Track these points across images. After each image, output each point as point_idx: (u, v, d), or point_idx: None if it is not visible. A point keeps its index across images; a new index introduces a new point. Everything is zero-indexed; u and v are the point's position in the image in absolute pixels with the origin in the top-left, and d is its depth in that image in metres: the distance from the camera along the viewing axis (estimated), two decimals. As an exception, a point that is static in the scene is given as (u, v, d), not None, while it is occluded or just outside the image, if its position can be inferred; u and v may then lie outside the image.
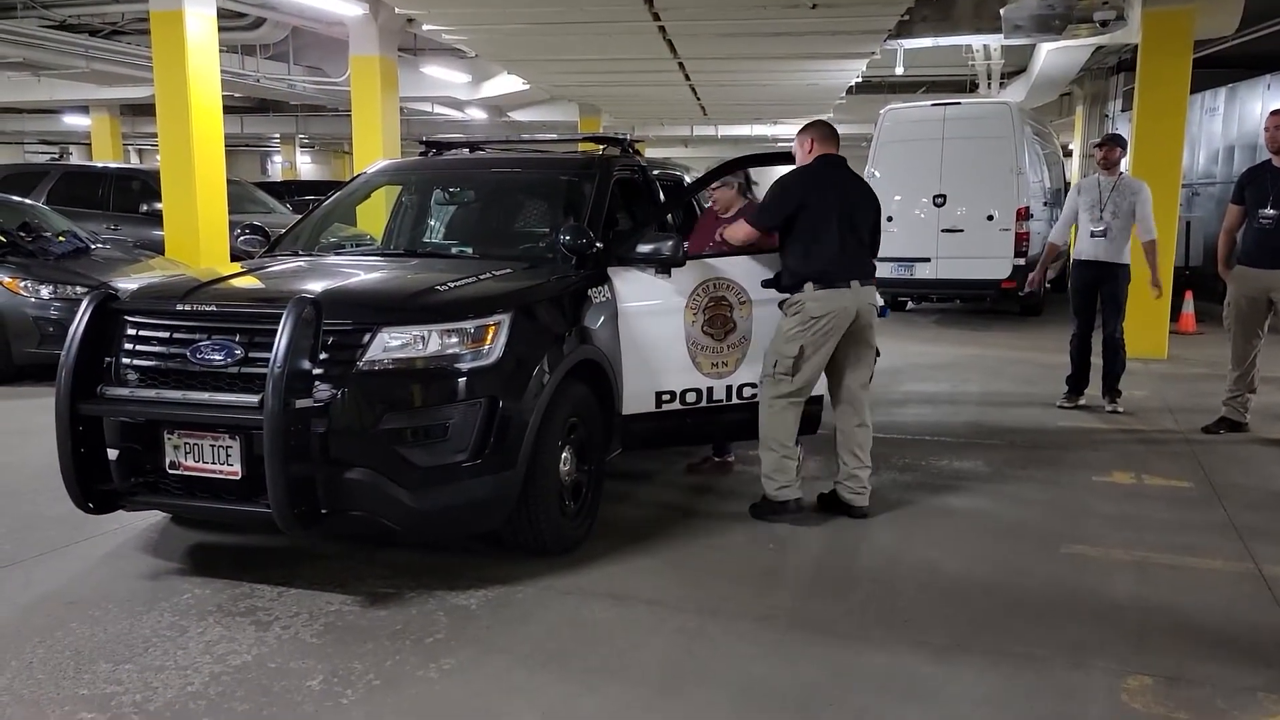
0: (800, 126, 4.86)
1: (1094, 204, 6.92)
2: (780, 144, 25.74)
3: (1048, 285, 13.49)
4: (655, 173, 5.54)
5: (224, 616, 3.55)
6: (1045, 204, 12.41)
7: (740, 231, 4.76)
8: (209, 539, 4.35)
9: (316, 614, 3.57)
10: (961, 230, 11.40)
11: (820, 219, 4.56)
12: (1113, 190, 6.87)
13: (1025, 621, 3.58)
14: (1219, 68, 13.15)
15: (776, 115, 20.03)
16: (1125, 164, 7.55)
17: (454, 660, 3.24)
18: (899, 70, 14.00)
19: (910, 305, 13.55)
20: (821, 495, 4.77)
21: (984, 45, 13.92)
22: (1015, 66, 16.69)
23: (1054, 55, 13.53)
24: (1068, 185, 16.40)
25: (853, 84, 15.49)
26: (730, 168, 5.14)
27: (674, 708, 2.96)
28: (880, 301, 4.99)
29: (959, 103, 12.27)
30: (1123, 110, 15.86)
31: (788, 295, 4.61)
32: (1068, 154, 19.18)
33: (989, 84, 17.29)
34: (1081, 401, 7.19)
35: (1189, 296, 11.13)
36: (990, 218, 11.26)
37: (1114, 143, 7.08)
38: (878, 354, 4.90)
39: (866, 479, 4.70)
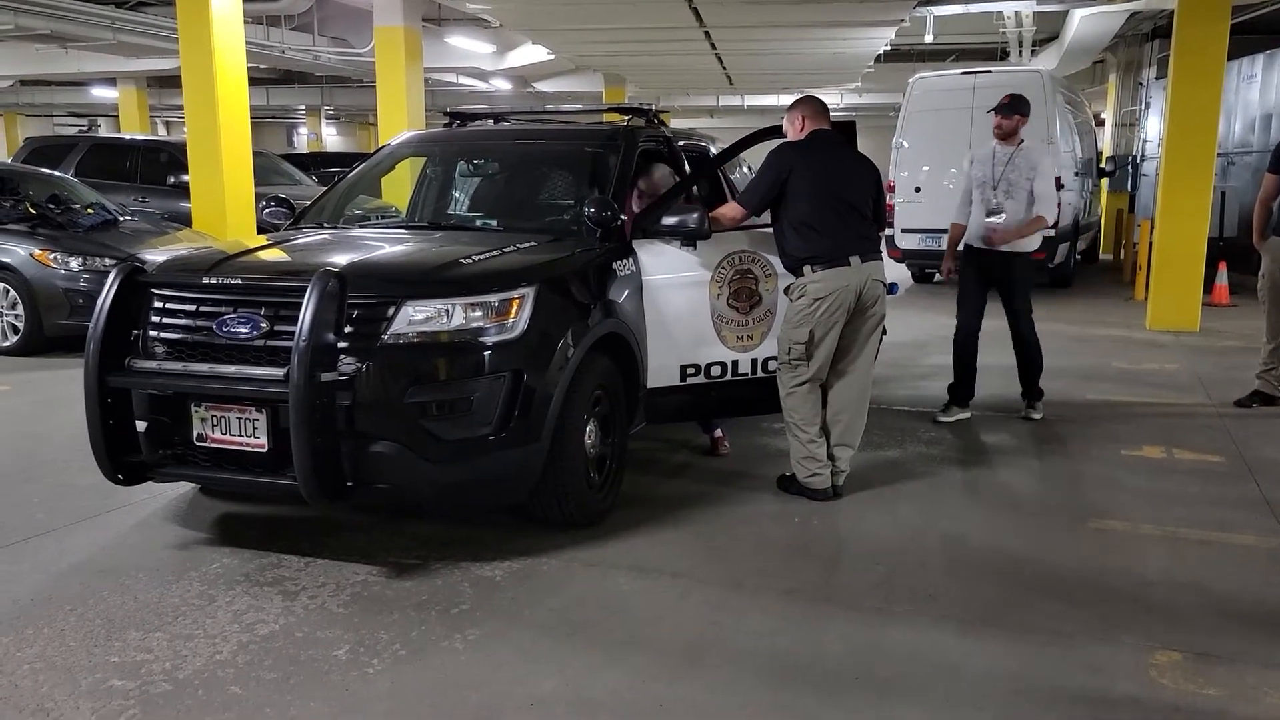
0: (790, 104, 4.71)
1: (986, 180, 5.84)
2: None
3: (1078, 257, 13.32)
4: (680, 144, 5.49)
5: (251, 586, 3.59)
6: (1077, 174, 12.22)
7: (730, 212, 4.63)
8: (236, 510, 4.39)
9: (343, 584, 3.61)
10: None
11: (810, 196, 4.43)
12: (1008, 164, 5.78)
13: (1052, 597, 3.55)
14: (1257, 34, 12.87)
15: (803, 84, 19.81)
16: (1162, 135, 7.16)
17: (479, 631, 3.26)
18: (928, 38, 13.78)
19: (937, 277, 13.41)
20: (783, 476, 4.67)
21: (1015, 12, 13.69)
22: (1047, 34, 16.41)
23: (1087, 21, 13.27)
24: (1100, 155, 16.17)
25: (881, 52, 15.30)
26: (750, 141, 5.07)
27: (698, 679, 2.97)
28: (888, 279, 4.72)
29: (989, 71, 12.07)
30: (1157, 78, 15.57)
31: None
32: (1100, 123, 18.87)
33: (1020, 52, 17.00)
34: (965, 415, 5.96)
35: (1223, 268, 10.95)
36: (1020, 188, 11.10)
37: (1012, 109, 5.83)
38: (884, 333, 4.74)
39: (847, 460, 4.59)
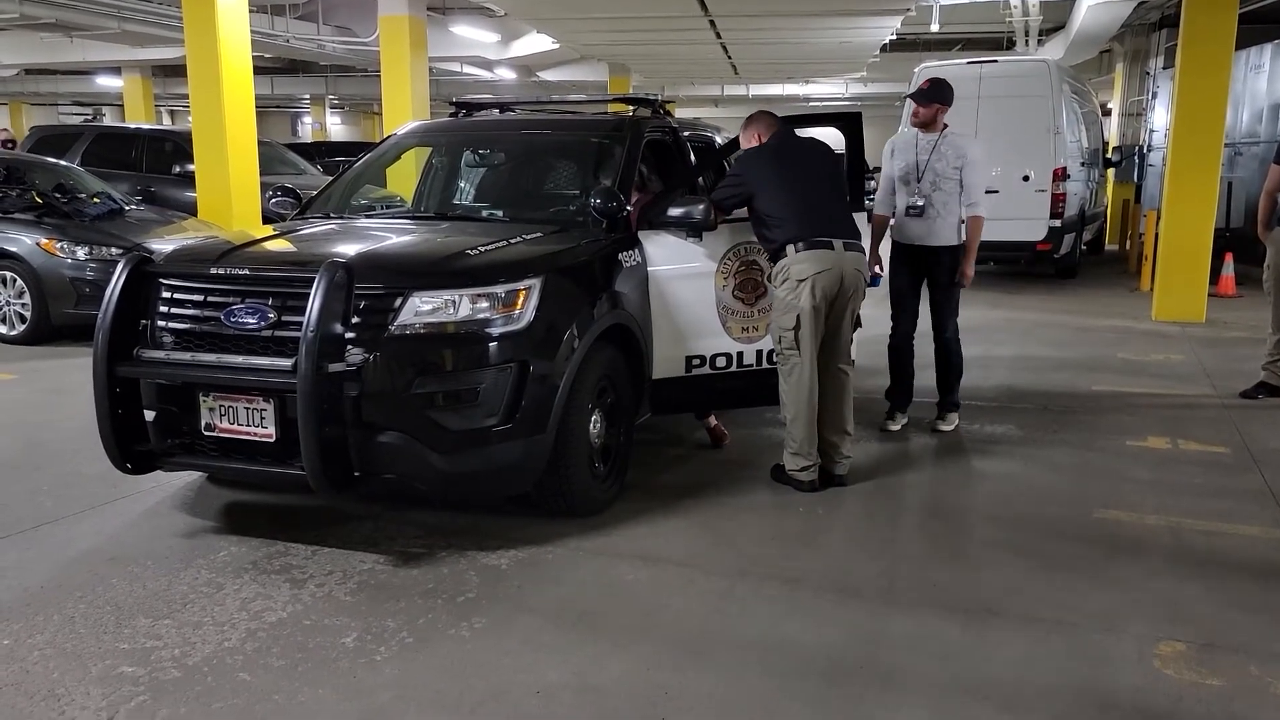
0: (743, 121, 4.81)
1: (909, 171, 5.37)
2: (811, 104, 25.43)
3: (1083, 248, 13.29)
4: (686, 134, 5.49)
5: (259, 574, 3.61)
6: (1083, 164, 12.19)
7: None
8: (244, 498, 4.41)
9: (350, 573, 3.63)
10: (996, 191, 11.20)
11: (791, 184, 4.48)
12: (932, 153, 5.30)
13: (1056, 586, 3.56)
14: (1265, 23, 12.81)
15: (809, 74, 19.80)
16: (1169, 125, 7.00)
17: (485, 619, 3.28)
18: (934, 27, 13.74)
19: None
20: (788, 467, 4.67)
21: (1022, 0, 13.64)
22: (1054, 23, 16.36)
23: (1094, 11, 13.23)
24: (1106, 145, 16.12)
25: (886, 41, 15.27)
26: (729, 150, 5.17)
27: (703, 668, 2.99)
28: (869, 271, 4.73)
29: (995, 61, 12.02)
30: (1164, 67, 15.51)
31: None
32: (1106, 113, 18.81)
33: (1026, 41, 16.93)
34: (906, 421, 5.67)
35: (1229, 259, 10.93)
36: (1026, 178, 11.08)
37: (929, 96, 5.28)
38: (859, 324, 4.73)
39: (849, 445, 4.64)
